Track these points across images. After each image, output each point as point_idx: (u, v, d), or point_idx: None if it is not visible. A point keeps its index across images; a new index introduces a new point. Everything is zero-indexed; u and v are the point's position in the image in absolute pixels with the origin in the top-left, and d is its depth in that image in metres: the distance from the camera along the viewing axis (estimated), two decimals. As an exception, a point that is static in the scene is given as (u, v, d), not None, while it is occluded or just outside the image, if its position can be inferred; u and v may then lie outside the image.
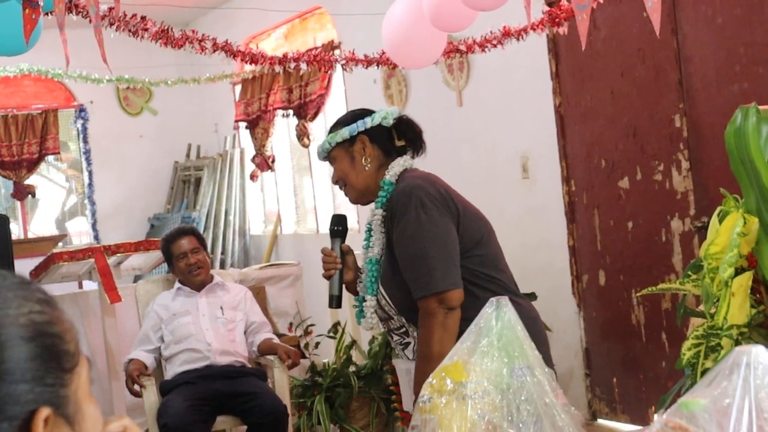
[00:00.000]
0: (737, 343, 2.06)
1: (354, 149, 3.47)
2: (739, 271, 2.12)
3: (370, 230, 3.54)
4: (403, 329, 3.44)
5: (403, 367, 3.50)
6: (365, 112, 3.55)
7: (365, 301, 3.46)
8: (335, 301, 3.55)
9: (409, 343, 3.44)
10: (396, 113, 3.54)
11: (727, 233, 2.13)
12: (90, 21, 3.01)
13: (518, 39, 5.26)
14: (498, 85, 7.12)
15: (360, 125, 3.46)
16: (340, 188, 3.59)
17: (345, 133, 3.46)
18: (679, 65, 5.66)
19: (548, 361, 3.07)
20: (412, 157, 3.54)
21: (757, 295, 2.18)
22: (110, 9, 4.39)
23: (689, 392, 1.70)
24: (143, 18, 4.51)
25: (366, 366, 6.50)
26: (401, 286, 3.35)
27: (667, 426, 1.66)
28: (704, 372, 1.87)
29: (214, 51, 4.85)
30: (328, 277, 3.54)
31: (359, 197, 3.54)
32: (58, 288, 7.06)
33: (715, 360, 2.10)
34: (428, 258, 3.24)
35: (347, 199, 3.59)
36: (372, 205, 3.53)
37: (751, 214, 2.13)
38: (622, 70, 6.06)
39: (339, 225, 3.58)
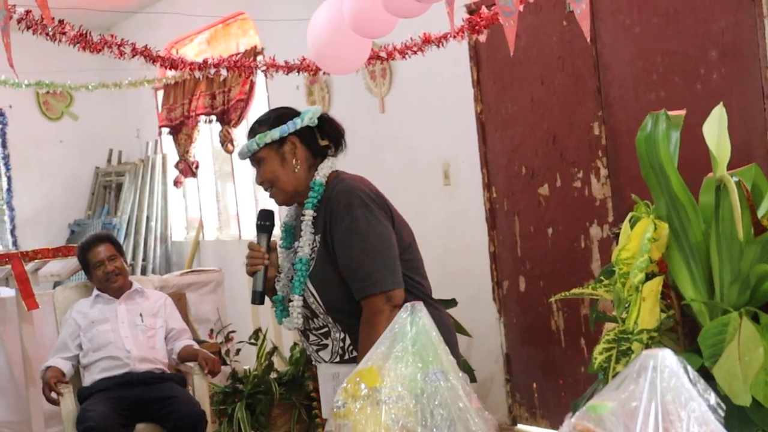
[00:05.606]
0: (647, 347, 2.08)
1: (284, 150, 3.42)
2: (649, 276, 2.14)
3: (289, 230, 3.53)
4: (325, 329, 3.37)
5: (329, 372, 3.41)
6: (291, 112, 3.49)
7: (291, 300, 3.38)
8: (258, 298, 3.47)
9: (326, 345, 3.38)
10: (319, 112, 3.49)
11: (638, 239, 2.14)
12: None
13: (438, 46, 5.27)
14: (420, 92, 7.14)
15: (291, 126, 3.41)
16: (266, 189, 3.49)
17: (275, 134, 3.40)
18: (597, 73, 5.73)
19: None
20: (335, 156, 3.51)
21: (667, 300, 2.20)
22: (27, 12, 4.33)
23: (598, 395, 1.72)
24: (61, 21, 4.44)
25: (287, 372, 6.48)
26: (337, 286, 3.31)
27: (575, 429, 1.67)
28: (615, 376, 1.89)
29: (134, 56, 4.79)
30: (252, 273, 3.46)
31: (288, 199, 3.47)
32: (-26, 295, 6.95)
33: (626, 364, 2.12)
34: (377, 256, 3.25)
35: (274, 200, 3.51)
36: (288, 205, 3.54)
37: (661, 219, 2.15)
38: (542, 78, 6.11)
39: (267, 220, 3.49)
